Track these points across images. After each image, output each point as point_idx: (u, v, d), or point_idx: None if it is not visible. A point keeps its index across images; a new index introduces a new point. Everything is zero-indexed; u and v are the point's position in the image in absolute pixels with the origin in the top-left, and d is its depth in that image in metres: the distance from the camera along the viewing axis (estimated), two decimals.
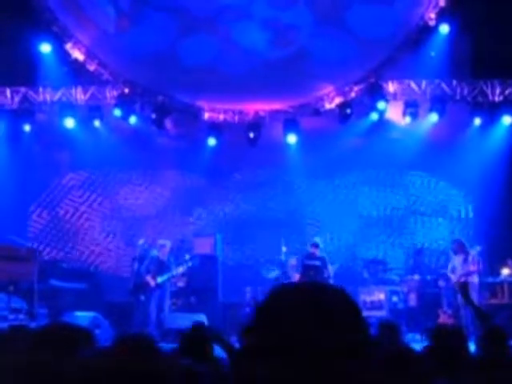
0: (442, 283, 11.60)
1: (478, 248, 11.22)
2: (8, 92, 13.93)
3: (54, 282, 12.32)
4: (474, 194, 13.91)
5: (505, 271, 11.65)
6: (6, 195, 13.43)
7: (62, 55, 13.36)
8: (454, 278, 11.09)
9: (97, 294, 13.11)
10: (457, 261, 11.15)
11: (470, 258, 11.02)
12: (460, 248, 11.19)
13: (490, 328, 5.21)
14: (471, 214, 13.84)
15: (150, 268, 11.30)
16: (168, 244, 11.63)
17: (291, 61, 13.15)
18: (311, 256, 11.61)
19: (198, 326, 4.74)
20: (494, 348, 4.60)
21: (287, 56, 13.13)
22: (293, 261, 11.89)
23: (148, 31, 13.05)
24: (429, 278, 12.01)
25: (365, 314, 11.50)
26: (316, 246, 11.68)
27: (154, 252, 11.58)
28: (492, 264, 12.34)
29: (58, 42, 13.30)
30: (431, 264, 12.81)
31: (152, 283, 11.14)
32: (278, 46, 13.15)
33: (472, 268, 10.98)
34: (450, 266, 11.30)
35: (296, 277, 11.58)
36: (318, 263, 11.32)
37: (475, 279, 10.96)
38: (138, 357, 1.50)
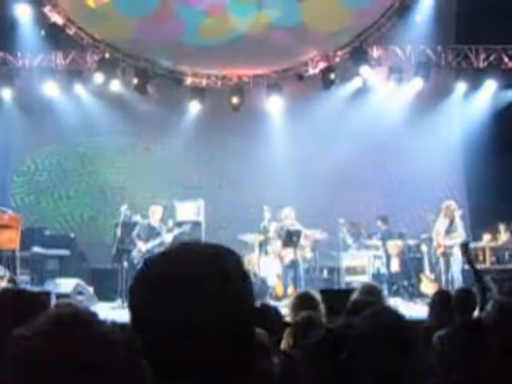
0: (424, 248, 11.67)
1: (460, 212, 11.21)
2: None
3: (37, 249, 12.27)
4: (457, 159, 13.97)
5: (486, 237, 11.73)
6: None
7: (41, 19, 13.06)
8: (435, 241, 11.10)
9: (80, 260, 13.10)
10: (442, 224, 11.11)
11: (453, 227, 10.96)
12: (447, 211, 11.10)
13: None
14: (455, 179, 13.92)
15: (140, 235, 11.26)
16: (159, 210, 11.58)
17: (275, 28, 13.03)
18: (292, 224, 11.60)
19: None
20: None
21: (271, 22, 13.01)
22: (275, 226, 11.88)
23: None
24: (411, 242, 12.07)
25: (348, 279, 11.69)
26: None
27: (141, 218, 11.51)
28: (474, 229, 12.44)
29: (36, 5, 13.00)
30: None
31: (143, 248, 11.10)
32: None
33: (454, 240, 10.88)
34: (435, 228, 11.22)
35: (278, 242, 11.60)
36: (300, 228, 11.32)
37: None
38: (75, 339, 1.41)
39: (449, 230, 11.00)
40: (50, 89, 13.66)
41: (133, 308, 1.27)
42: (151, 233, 11.29)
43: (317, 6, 12.69)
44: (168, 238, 11.41)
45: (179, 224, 12.23)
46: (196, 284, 1.21)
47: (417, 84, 13.47)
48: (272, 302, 10.52)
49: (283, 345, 4.05)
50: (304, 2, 12.81)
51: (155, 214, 11.46)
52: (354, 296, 4.81)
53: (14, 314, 2.19)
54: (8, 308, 2.32)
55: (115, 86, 13.70)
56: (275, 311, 4.83)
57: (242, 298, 1.27)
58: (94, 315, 1.50)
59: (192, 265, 1.24)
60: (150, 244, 11.13)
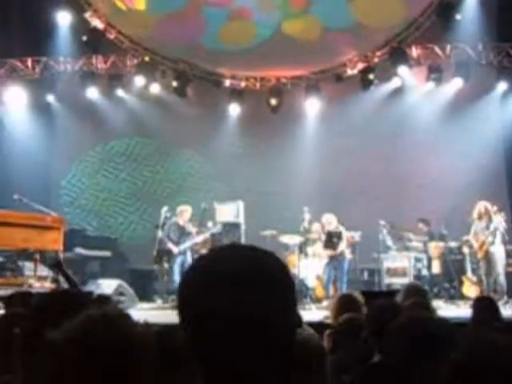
0: (465, 250, 11.47)
1: (502, 214, 10.97)
2: (29, 62, 13.94)
3: (80, 250, 12.47)
4: (498, 159, 13.72)
5: None
6: (32, 164, 13.53)
7: (81, 24, 13.29)
8: (475, 244, 10.90)
9: (121, 261, 13.27)
10: (479, 226, 10.92)
11: (492, 226, 10.73)
12: (484, 212, 10.89)
13: None
14: (496, 180, 13.65)
15: (170, 235, 11.32)
16: (189, 210, 11.58)
17: (313, 29, 13.04)
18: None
19: None
20: None
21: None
22: (315, 228, 11.85)
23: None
24: (453, 244, 11.89)
25: (388, 280, 11.57)
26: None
27: (174, 218, 11.55)
28: None
29: (77, 11, 13.23)
30: None
31: (175, 250, 11.17)
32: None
33: (493, 237, 10.66)
34: (472, 231, 11.04)
35: (319, 243, 11.56)
36: (340, 230, 11.25)
37: (499, 248, 10.71)
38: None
39: (486, 229, 10.77)
40: (92, 92, 13.90)
41: (185, 306, 1.26)
42: (181, 233, 11.33)
43: (369, 2, 12.63)
44: (199, 238, 11.47)
45: (215, 225, 12.24)
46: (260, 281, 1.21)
47: (457, 83, 13.30)
48: (312, 304, 10.55)
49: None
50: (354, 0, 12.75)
51: (184, 213, 11.47)
52: (399, 297, 4.75)
53: (62, 313, 2.24)
54: (56, 308, 2.36)
55: (155, 88, 13.87)
56: None
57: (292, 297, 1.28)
58: (124, 317, 1.53)
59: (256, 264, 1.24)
60: (182, 246, 11.20)
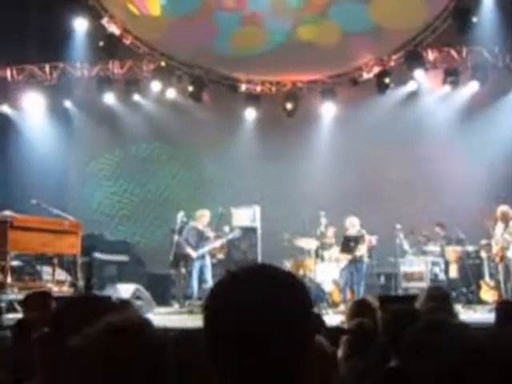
0: (483, 254, 11.39)
1: None
2: (47, 68, 14.08)
3: (97, 255, 12.54)
4: None
5: None
6: (50, 169, 13.64)
7: (98, 30, 13.40)
8: (494, 247, 10.82)
9: (138, 266, 13.33)
10: (497, 230, 10.84)
11: (509, 229, 10.63)
12: (502, 216, 10.80)
13: None
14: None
15: (189, 239, 11.34)
16: (207, 214, 11.61)
17: (332, 34, 13.06)
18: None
19: None
20: None
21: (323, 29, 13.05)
22: (332, 232, 11.84)
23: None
24: (470, 248, 11.80)
25: (405, 285, 11.51)
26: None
27: (191, 223, 11.58)
28: None
29: (94, 17, 13.35)
30: None
31: (193, 255, 11.17)
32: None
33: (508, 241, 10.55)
34: (493, 235, 10.94)
35: (336, 248, 11.54)
36: (362, 233, 11.22)
37: None
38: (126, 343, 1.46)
39: (503, 233, 10.69)
40: (109, 98, 14.00)
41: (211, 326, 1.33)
42: (200, 237, 11.35)
43: (387, 5, 12.60)
44: (217, 243, 11.50)
45: (233, 230, 12.27)
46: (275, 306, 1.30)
47: (473, 87, 13.22)
48: (329, 309, 10.53)
49: (341, 353, 4.01)
50: (371, 3, 12.71)
51: (202, 217, 11.50)
52: (420, 301, 4.72)
53: (82, 319, 2.26)
54: (77, 313, 2.39)
55: (171, 93, 13.93)
56: None
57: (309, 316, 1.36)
58: (144, 323, 1.55)
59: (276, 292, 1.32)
60: (200, 251, 11.21)
